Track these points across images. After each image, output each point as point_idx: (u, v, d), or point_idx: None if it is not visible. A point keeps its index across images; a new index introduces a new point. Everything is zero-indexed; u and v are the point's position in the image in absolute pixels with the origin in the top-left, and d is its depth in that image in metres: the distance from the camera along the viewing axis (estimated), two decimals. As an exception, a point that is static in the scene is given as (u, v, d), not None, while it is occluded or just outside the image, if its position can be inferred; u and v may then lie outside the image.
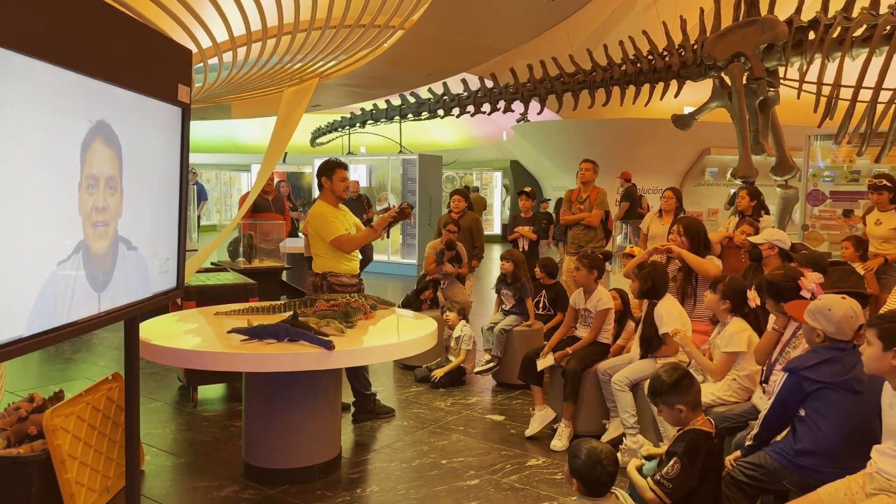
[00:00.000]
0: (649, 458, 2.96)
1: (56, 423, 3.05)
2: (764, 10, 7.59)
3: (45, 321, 1.92)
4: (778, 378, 2.87)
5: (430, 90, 10.21)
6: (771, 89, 7.59)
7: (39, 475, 3.04)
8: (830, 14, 7.13)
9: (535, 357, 4.58)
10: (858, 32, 6.91)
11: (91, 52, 2.02)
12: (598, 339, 4.53)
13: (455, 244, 6.33)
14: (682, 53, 8.00)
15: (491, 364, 5.64)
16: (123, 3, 4.28)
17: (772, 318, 3.42)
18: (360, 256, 4.84)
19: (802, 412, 2.68)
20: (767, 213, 6.15)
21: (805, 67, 7.24)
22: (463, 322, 5.82)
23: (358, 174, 13.94)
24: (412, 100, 10.33)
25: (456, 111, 9.81)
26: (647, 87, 8.29)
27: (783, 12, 7.48)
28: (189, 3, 4.97)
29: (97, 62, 2.06)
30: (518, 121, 10.50)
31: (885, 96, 6.72)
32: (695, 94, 9.59)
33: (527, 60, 9.25)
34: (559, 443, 4.27)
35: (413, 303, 6.33)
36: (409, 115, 10.47)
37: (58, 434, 3.05)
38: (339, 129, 13.63)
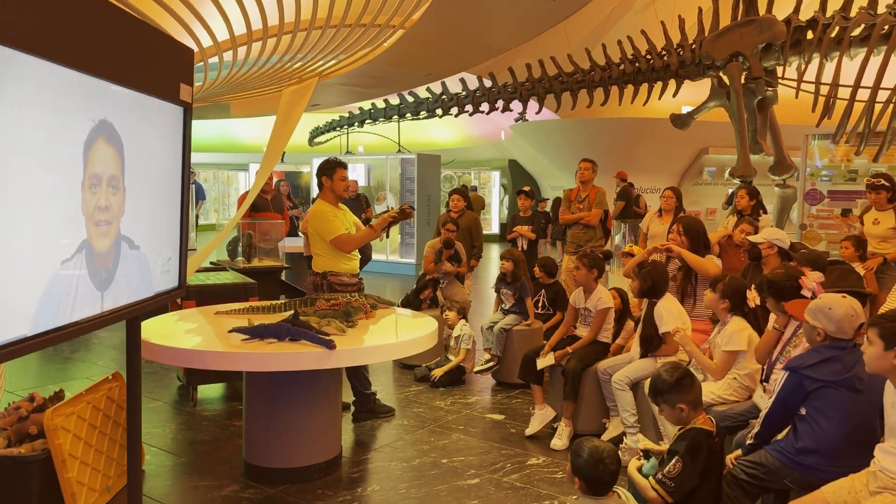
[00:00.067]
0: (646, 452, 2.97)
1: (57, 423, 3.05)
2: (762, 10, 7.59)
3: (49, 320, 1.92)
4: (778, 377, 2.88)
5: (428, 89, 10.19)
6: (769, 89, 7.59)
7: (40, 475, 3.04)
8: (828, 13, 7.13)
9: (534, 356, 4.59)
10: (856, 32, 6.91)
11: (93, 51, 2.02)
12: (598, 338, 4.54)
13: (453, 243, 6.33)
14: (681, 53, 7.99)
15: (490, 363, 5.65)
16: (125, 2, 4.27)
17: (772, 316, 3.43)
18: (360, 256, 4.84)
19: (803, 411, 2.69)
20: (765, 212, 6.17)
21: (803, 67, 7.25)
22: (462, 321, 5.82)
23: (356, 174, 13.90)
24: (411, 99, 10.31)
25: (454, 110, 9.79)
26: (645, 86, 8.28)
27: (781, 12, 7.49)
28: (190, 1, 4.97)
29: (99, 61, 2.05)
30: (516, 120, 10.49)
31: (882, 96, 6.73)
32: (693, 93, 9.58)
33: (525, 60, 9.24)
34: (559, 442, 4.28)
35: (413, 302, 6.32)
36: (408, 115, 10.44)
37: (58, 433, 3.05)
38: (338, 129, 13.60)
